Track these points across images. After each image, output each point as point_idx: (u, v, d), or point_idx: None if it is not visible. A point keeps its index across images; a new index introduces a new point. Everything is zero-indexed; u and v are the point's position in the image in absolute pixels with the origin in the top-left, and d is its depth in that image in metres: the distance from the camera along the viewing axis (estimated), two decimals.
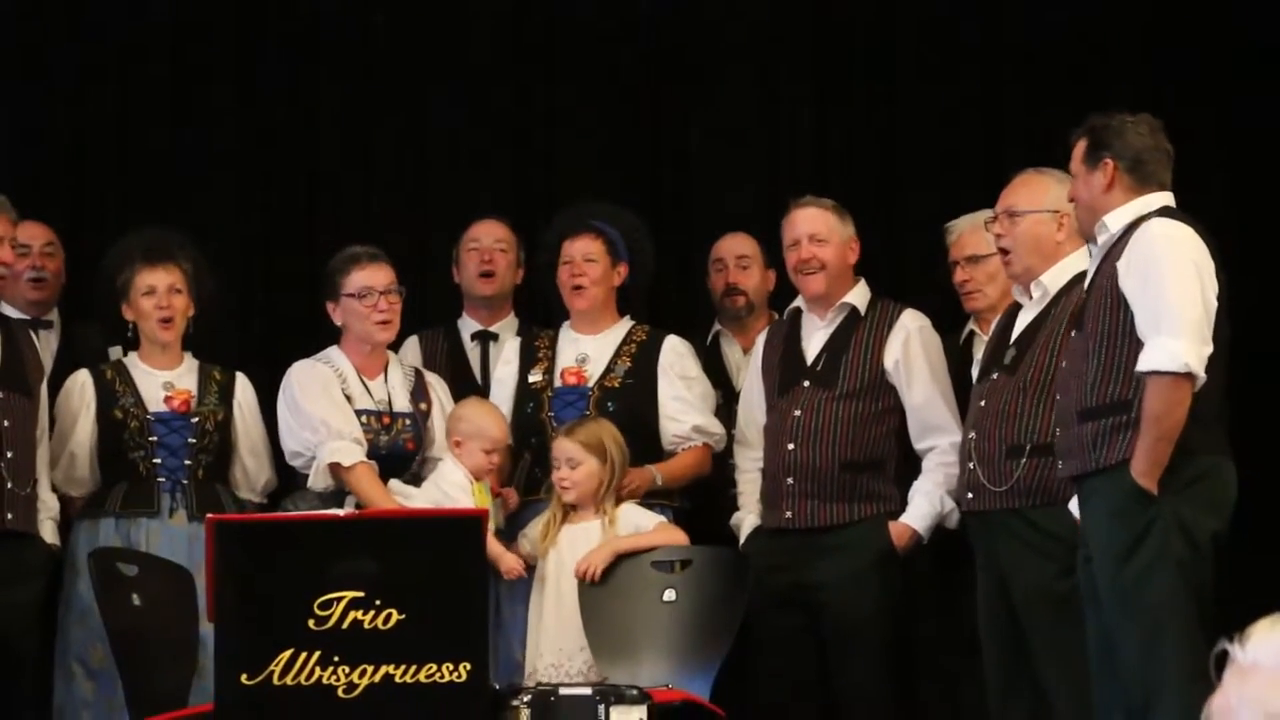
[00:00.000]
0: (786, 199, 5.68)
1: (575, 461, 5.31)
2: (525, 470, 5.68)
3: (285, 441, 5.56)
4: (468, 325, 6.18)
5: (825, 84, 6.94)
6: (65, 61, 6.74)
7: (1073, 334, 4.63)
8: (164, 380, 5.64)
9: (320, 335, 5.79)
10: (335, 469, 5.41)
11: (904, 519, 5.39)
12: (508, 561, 5.29)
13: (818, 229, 5.47)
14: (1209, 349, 4.35)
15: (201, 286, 5.72)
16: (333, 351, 5.64)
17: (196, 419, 5.60)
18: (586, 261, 5.68)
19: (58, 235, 6.08)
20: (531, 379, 5.72)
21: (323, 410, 5.48)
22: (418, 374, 5.74)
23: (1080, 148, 4.60)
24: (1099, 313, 4.46)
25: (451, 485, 5.37)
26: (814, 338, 5.53)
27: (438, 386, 5.72)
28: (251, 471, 5.73)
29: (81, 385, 5.62)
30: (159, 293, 5.60)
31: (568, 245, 5.71)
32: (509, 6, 6.98)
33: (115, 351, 5.93)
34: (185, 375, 5.68)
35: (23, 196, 5.58)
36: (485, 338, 6.14)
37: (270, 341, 6.66)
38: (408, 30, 6.89)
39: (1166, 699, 4.25)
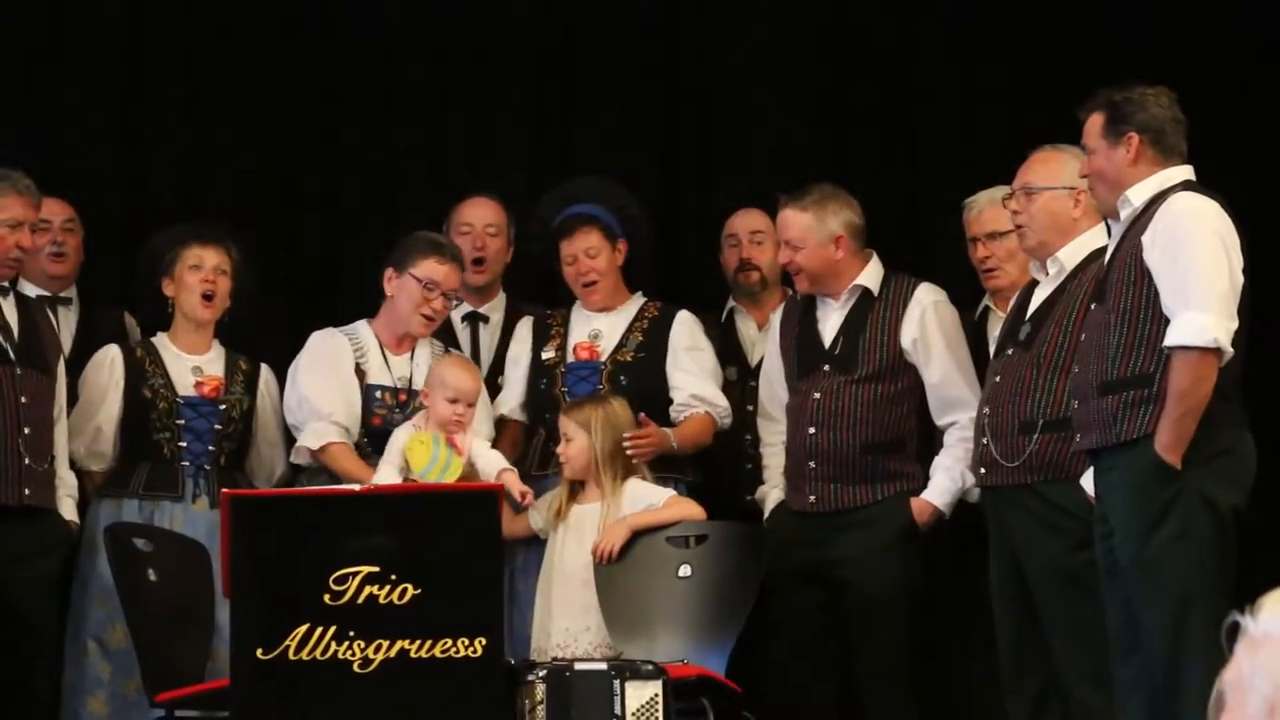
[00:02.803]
0: (803, 174, 5.66)
1: (568, 437, 5.33)
2: (539, 446, 5.68)
3: (285, 414, 5.62)
4: (458, 307, 6.08)
5: (845, 59, 6.91)
6: (83, 42, 6.74)
7: (1092, 306, 4.60)
8: (193, 365, 5.65)
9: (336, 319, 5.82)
10: (311, 451, 5.45)
11: (925, 495, 5.38)
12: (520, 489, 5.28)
13: (790, 234, 5.43)
14: (1235, 324, 4.32)
15: (242, 281, 5.72)
16: (360, 324, 5.66)
17: (224, 406, 5.62)
18: (590, 257, 5.68)
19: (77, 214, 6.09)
20: (545, 355, 5.72)
21: (313, 388, 5.50)
22: (446, 353, 5.71)
23: (1098, 121, 4.55)
24: (1122, 286, 4.42)
25: (391, 447, 5.33)
26: (830, 319, 5.50)
27: None
28: (267, 461, 5.74)
29: (112, 360, 5.63)
30: (205, 268, 5.61)
31: (566, 245, 5.69)
32: None
33: (133, 332, 5.94)
34: (214, 362, 5.69)
35: (42, 178, 5.60)
36: (475, 319, 6.07)
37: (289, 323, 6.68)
38: (426, 7, 6.89)
39: (1193, 675, 4.21)
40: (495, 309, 6.09)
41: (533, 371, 5.74)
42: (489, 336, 6.03)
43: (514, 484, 5.31)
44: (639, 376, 5.61)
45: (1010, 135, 6.17)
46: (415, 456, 5.26)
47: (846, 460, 5.38)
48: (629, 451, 5.35)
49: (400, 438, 5.35)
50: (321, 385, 5.51)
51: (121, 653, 5.35)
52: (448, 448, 5.29)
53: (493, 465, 5.34)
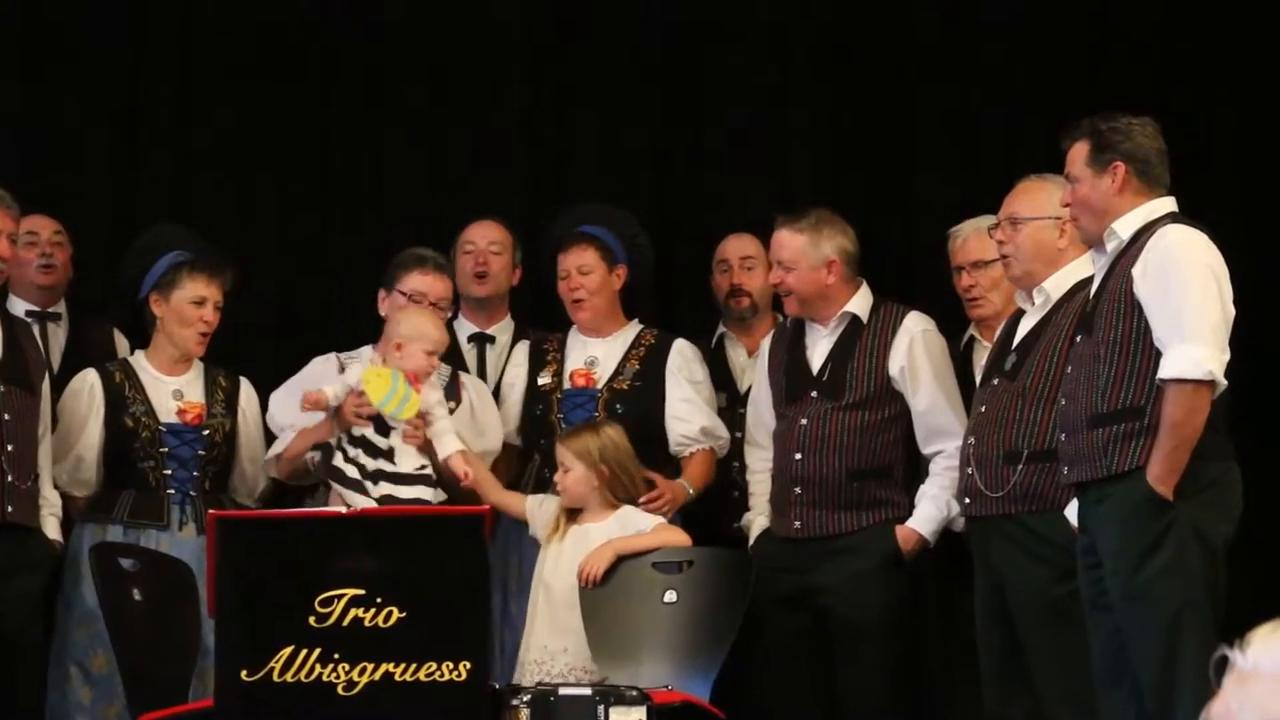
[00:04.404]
0: (797, 200, 5.68)
1: (565, 466, 5.34)
2: (535, 471, 5.69)
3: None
4: (464, 327, 6.13)
5: (840, 85, 6.93)
6: (77, 59, 6.75)
7: (1078, 339, 4.60)
8: (173, 388, 5.63)
9: (328, 336, 5.82)
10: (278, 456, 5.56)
11: (910, 523, 5.39)
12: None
13: (783, 255, 5.45)
14: (1227, 356, 4.33)
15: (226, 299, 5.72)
16: (365, 350, 5.64)
17: (208, 431, 5.60)
18: (582, 274, 5.69)
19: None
20: (540, 381, 5.73)
21: (277, 405, 5.57)
22: (454, 375, 5.71)
23: (1082, 150, 4.54)
24: (1111, 319, 4.42)
25: (350, 375, 5.34)
26: (818, 346, 5.51)
27: (471, 386, 5.68)
28: (249, 477, 5.74)
29: (90, 387, 5.59)
30: (207, 306, 5.59)
31: (562, 259, 5.73)
32: (522, 3, 6.99)
33: (122, 348, 5.93)
34: (193, 382, 5.66)
35: (28, 193, 5.60)
36: (482, 340, 6.10)
37: (278, 340, 6.67)
38: (419, 24, 6.90)
39: (1184, 706, 4.20)
40: (502, 331, 6.12)
41: (528, 397, 5.75)
42: (495, 358, 6.06)
43: (459, 465, 5.30)
44: (635, 405, 5.62)
45: (1003, 165, 6.19)
46: (373, 388, 5.23)
47: (832, 486, 5.39)
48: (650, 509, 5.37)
49: (355, 371, 5.33)
50: (287, 403, 5.51)
51: (102, 678, 5.36)
52: (406, 384, 5.27)
53: (447, 448, 5.33)
